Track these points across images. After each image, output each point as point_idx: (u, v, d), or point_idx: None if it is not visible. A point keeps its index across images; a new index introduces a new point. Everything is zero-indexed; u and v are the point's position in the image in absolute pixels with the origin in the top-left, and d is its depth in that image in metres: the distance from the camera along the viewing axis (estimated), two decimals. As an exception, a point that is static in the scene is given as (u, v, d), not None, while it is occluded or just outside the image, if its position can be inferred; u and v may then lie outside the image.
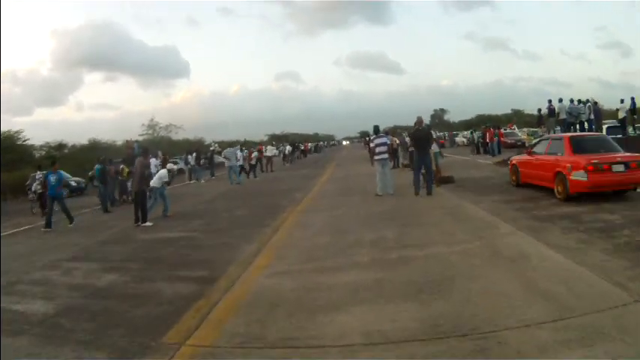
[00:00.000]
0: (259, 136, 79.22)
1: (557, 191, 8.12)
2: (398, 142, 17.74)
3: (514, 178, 10.24)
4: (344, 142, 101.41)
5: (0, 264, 5.83)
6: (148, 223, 9.12)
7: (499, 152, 20.98)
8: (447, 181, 11.27)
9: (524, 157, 10.14)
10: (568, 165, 7.78)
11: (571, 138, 8.59)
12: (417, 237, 6.11)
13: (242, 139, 65.78)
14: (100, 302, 4.57)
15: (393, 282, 4.36)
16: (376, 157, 10.38)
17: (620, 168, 7.49)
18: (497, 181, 11.25)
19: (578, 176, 7.55)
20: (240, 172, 18.92)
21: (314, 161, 33.78)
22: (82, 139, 34.42)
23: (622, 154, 7.87)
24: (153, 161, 21.70)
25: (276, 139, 54.42)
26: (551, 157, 8.52)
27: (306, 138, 78.53)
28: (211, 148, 28.63)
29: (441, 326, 3.27)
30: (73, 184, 20.01)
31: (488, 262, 4.71)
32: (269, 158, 24.53)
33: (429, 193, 9.52)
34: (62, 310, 4.42)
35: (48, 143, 31.16)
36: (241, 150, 21.41)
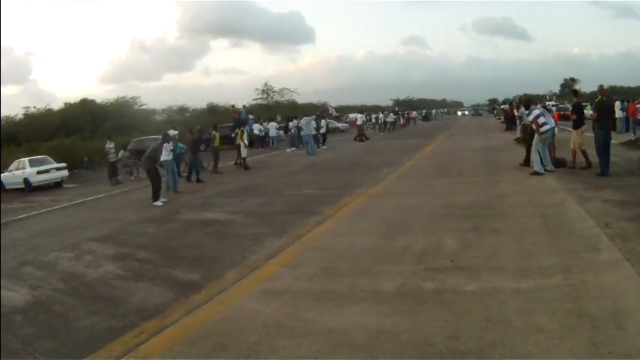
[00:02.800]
0: (385, 100, 77.30)
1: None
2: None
3: None
4: (459, 113, 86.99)
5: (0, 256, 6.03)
6: (158, 202, 9.16)
7: (630, 130, 17.13)
8: (562, 164, 9.60)
9: None
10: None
11: None
12: (482, 252, 4.67)
13: (363, 104, 65.13)
14: (69, 301, 4.42)
15: (396, 341, 3.00)
16: (543, 129, 9.10)
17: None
18: (618, 169, 9.02)
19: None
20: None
21: (423, 131, 30.76)
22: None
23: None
24: (273, 124, 23.00)
25: (400, 104, 52.08)
26: None
27: (433, 104, 73.93)
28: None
29: None
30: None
31: (565, 326, 2.99)
32: (359, 127, 24.50)
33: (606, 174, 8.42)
34: (28, 306, 4.39)
35: (170, 107, 32.89)
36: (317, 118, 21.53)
